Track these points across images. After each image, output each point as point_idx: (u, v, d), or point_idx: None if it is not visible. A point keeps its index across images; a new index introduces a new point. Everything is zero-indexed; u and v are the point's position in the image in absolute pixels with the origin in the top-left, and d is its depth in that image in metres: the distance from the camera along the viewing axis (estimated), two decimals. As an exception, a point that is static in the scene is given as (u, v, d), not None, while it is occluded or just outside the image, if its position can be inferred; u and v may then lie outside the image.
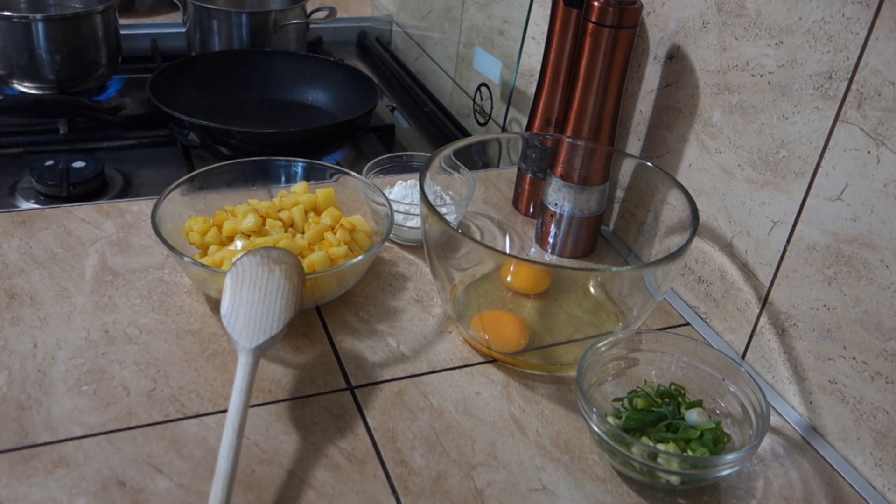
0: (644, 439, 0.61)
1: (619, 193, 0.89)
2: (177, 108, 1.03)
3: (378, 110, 1.25)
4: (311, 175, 0.85)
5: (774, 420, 0.69)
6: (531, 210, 0.93)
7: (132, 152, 1.09)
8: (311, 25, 1.37)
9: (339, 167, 0.85)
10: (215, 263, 0.72)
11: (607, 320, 0.75)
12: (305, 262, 0.72)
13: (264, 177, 0.86)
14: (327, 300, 0.75)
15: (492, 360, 0.72)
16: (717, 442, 0.61)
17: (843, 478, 0.64)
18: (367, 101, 1.14)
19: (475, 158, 1.02)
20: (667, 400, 0.64)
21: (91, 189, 0.97)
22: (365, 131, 1.21)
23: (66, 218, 0.83)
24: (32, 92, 1.19)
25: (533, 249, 0.89)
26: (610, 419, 0.63)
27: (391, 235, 0.84)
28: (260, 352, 0.61)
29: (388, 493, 0.58)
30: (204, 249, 0.76)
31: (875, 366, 0.62)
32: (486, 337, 0.72)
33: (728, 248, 0.76)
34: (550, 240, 0.87)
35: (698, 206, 0.72)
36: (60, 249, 0.79)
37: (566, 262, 0.87)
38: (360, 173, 0.85)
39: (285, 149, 0.98)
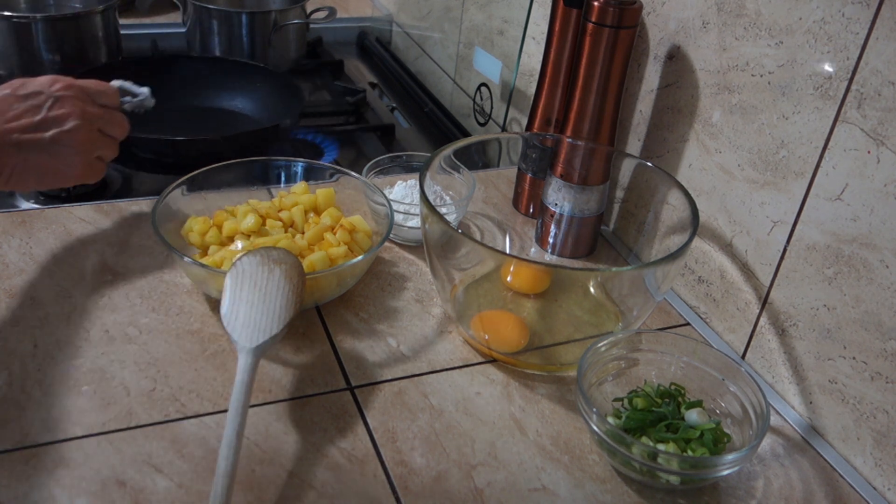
0: (644, 439, 0.61)
1: (619, 193, 0.89)
2: None
3: (378, 110, 1.25)
4: (310, 175, 0.85)
5: (774, 420, 0.69)
6: (531, 210, 0.93)
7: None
8: (311, 25, 1.36)
9: (339, 167, 0.85)
10: (215, 263, 0.72)
11: (607, 320, 0.75)
12: (305, 262, 0.72)
13: (264, 177, 0.86)
14: (327, 300, 0.75)
15: (492, 360, 0.72)
16: (717, 442, 0.61)
17: (843, 478, 0.64)
18: (293, 106, 1.09)
19: (475, 158, 1.02)
20: (667, 400, 0.64)
21: (91, 189, 0.97)
22: (364, 131, 1.21)
23: (66, 218, 0.83)
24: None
25: (533, 249, 0.89)
26: (610, 419, 0.63)
27: (391, 235, 0.84)
28: (260, 352, 0.61)
29: (388, 493, 0.58)
30: (204, 249, 0.76)
31: (875, 366, 0.62)
32: (486, 337, 0.72)
33: (728, 248, 0.76)
34: (550, 240, 0.87)
35: (698, 206, 0.72)
36: (60, 249, 0.78)
37: (566, 262, 0.87)
38: (360, 173, 0.85)
39: (199, 157, 0.91)
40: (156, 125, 0.97)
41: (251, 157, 0.85)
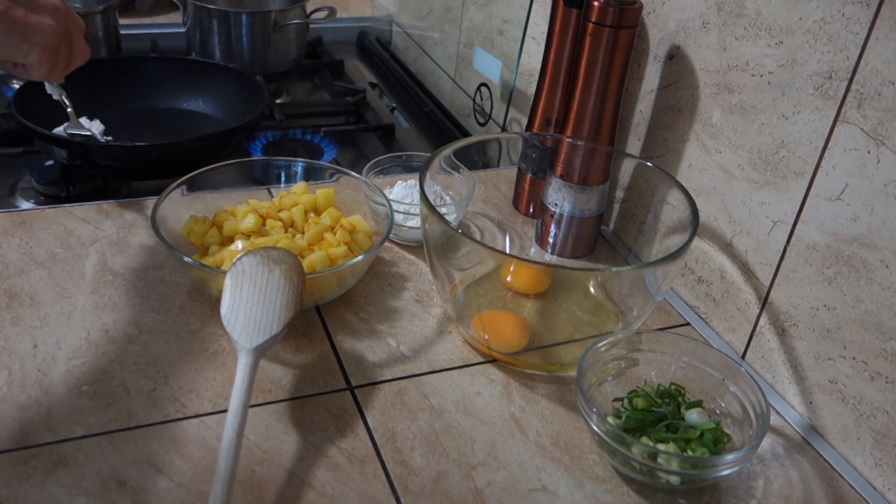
0: (644, 439, 0.61)
1: (619, 193, 0.89)
2: (44, 122, 0.91)
3: (378, 110, 1.25)
4: (310, 175, 0.85)
5: (774, 420, 0.69)
6: (531, 210, 0.93)
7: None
8: (311, 25, 1.36)
9: (339, 167, 0.85)
10: (215, 263, 0.72)
11: (607, 320, 0.75)
12: (305, 262, 0.72)
13: (264, 177, 0.86)
14: (327, 300, 0.75)
15: (492, 360, 0.72)
16: (717, 442, 0.61)
17: (843, 478, 0.64)
18: (255, 104, 1.04)
19: (475, 158, 1.02)
20: (667, 400, 0.64)
21: (91, 189, 0.97)
22: (364, 131, 1.21)
23: (66, 218, 0.83)
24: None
25: (533, 249, 0.89)
26: (610, 419, 0.63)
27: (391, 235, 0.84)
28: (260, 352, 0.61)
29: (388, 493, 0.58)
30: (204, 249, 0.76)
31: (875, 366, 0.62)
32: (486, 337, 0.72)
33: (728, 248, 0.76)
34: (550, 240, 0.87)
35: (698, 206, 0.72)
36: (60, 249, 0.79)
37: (566, 262, 0.87)
38: (360, 173, 0.85)
39: (160, 162, 0.91)
40: (115, 130, 0.96)
41: (251, 158, 0.85)
